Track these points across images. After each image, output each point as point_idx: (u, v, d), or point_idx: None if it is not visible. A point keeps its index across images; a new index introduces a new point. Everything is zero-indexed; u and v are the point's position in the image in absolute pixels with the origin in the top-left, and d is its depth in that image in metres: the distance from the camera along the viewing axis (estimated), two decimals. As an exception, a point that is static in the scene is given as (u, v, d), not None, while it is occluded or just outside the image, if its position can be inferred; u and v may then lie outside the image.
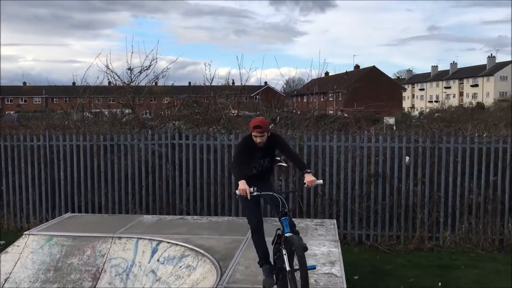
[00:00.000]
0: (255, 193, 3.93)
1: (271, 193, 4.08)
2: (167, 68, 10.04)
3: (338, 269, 4.26)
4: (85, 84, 10.14)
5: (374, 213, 7.80)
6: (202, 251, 4.85)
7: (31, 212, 8.63)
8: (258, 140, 4.11)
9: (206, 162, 8.14)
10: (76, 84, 12.30)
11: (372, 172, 7.80)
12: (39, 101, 74.43)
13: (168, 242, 5.21)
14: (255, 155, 4.25)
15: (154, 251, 5.18)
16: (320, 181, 4.06)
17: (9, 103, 74.53)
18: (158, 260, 5.08)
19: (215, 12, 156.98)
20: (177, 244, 5.13)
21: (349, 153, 7.84)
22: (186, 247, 5.05)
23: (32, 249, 5.43)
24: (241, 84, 9.88)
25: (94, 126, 9.52)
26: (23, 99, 76.95)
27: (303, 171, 4.09)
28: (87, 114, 11.35)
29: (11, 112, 51.41)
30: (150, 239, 5.34)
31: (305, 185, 4.04)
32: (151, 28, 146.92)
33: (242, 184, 3.92)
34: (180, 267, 4.85)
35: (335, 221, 6.09)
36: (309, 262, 4.46)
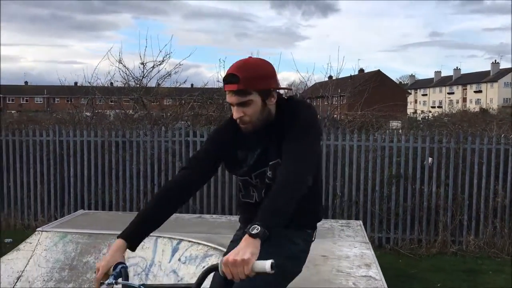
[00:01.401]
0: (106, 284, 1.86)
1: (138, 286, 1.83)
2: (180, 65, 9.81)
3: (376, 272, 4.01)
4: (94, 83, 9.91)
5: (395, 216, 7.55)
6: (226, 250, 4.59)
7: (39, 209, 8.37)
8: (235, 113, 1.97)
9: (221, 160, 7.88)
10: (78, 84, 12.07)
11: (394, 173, 7.55)
12: (40, 101, 74.35)
13: (189, 241, 4.94)
14: (244, 154, 2.10)
15: (174, 250, 4.91)
16: (266, 267, 1.63)
17: (10, 102, 74.44)
18: (179, 259, 4.81)
19: (217, 15, 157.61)
20: (199, 243, 4.86)
21: (370, 153, 7.60)
22: (209, 246, 4.78)
23: (45, 246, 5.16)
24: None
25: (105, 122, 9.27)
26: (25, 98, 76.93)
27: (252, 223, 1.72)
28: (93, 113, 11.12)
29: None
30: (170, 237, 5.06)
31: (221, 269, 1.67)
32: (152, 30, 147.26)
33: (107, 254, 1.97)
34: (204, 267, 4.58)
35: (361, 222, 5.83)
36: (343, 264, 4.23)
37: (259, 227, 1.70)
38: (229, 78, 1.92)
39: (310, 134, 1.96)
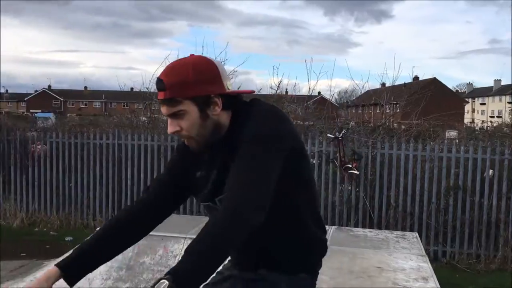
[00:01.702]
0: None
1: None
2: (234, 71, 9.93)
3: (433, 286, 3.89)
4: (151, 88, 10.19)
5: (452, 229, 7.30)
6: (279, 257, 4.59)
7: (97, 210, 8.69)
8: (169, 127, 1.56)
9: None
10: (134, 90, 12.47)
11: (451, 185, 7.31)
12: (98, 105, 77.41)
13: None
14: (203, 175, 1.66)
15: (228, 255, 4.97)
16: None
17: (71, 106, 77.97)
18: (232, 264, 4.87)
19: (269, 22, 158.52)
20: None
21: (426, 163, 7.39)
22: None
23: (104, 245, 5.36)
24: (309, 90, 9.63)
25: (161, 126, 9.52)
26: (84, 103, 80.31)
27: (163, 276, 1.33)
28: (149, 118, 11.43)
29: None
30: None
31: None
32: (206, 37, 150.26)
33: (32, 281, 1.78)
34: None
35: (417, 234, 5.68)
36: (399, 276, 4.13)
37: (167, 283, 1.28)
38: (157, 85, 1.52)
39: (260, 153, 1.45)
